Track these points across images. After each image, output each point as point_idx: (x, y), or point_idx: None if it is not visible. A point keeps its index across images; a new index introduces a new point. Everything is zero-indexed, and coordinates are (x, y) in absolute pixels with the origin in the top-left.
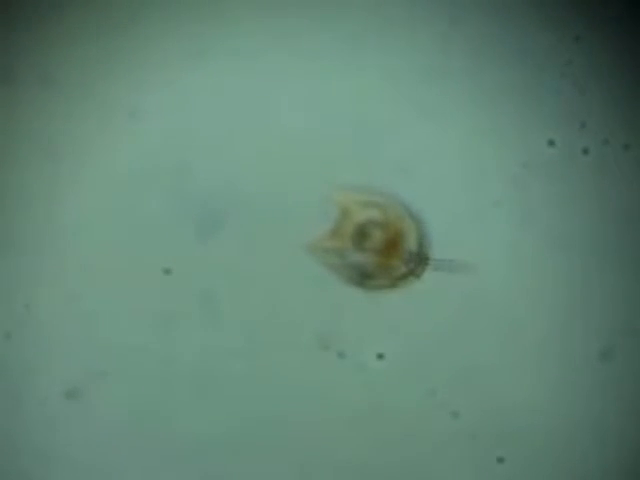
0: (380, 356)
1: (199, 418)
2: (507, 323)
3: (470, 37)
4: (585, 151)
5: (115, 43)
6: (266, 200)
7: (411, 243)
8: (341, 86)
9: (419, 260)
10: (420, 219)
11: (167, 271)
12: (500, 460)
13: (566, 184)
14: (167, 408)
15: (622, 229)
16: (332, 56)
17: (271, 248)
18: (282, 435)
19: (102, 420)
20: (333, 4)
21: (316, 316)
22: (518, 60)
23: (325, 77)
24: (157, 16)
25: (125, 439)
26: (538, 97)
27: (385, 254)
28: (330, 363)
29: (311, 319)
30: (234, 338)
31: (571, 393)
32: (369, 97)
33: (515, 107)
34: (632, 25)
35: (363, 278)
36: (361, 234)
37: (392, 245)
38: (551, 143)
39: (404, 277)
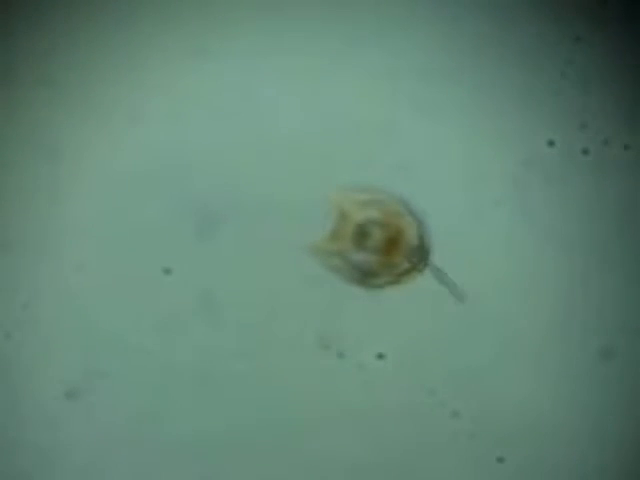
0: (380, 356)
1: (199, 418)
2: (507, 323)
3: (470, 37)
4: (585, 151)
5: (115, 44)
6: (266, 200)
7: (412, 238)
8: (341, 86)
9: (421, 254)
10: (420, 216)
11: (167, 271)
12: (500, 460)
13: (566, 184)
14: (167, 408)
15: (622, 229)
16: (332, 56)
17: (271, 248)
18: (282, 435)
19: (102, 420)
20: (333, 4)
21: (316, 316)
22: (518, 60)
23: (325, 77)
24: (157, 17)
25: (125, 439)
26: (538, 97)
27: (387, 252)
28: (330, 363)
29: (311, 319)
30: (234, 338)
31: (571, 393)
32: (369, 97)
33: (515, 107)
34: (632, 25)
35: (366, 277)
36: (361, 234)
37: (393, 242)
38: (551, 143)
39: (407, 273)
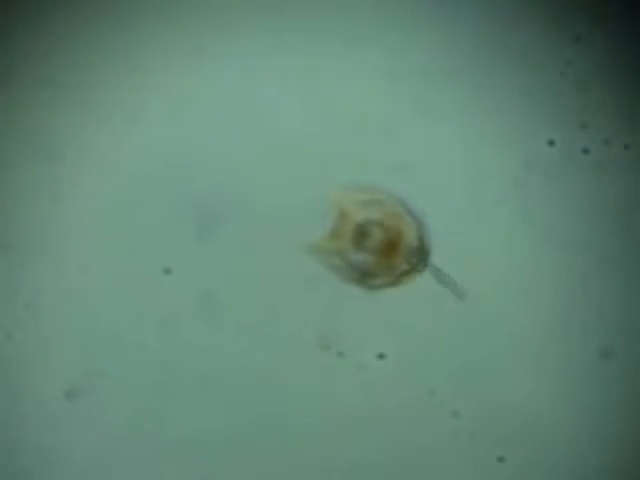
0: (380, 356)
1: (199, 418)
2: (507, 323)
3: (470, 37)
4: (585, 151)
5: (115, 45)
6: (266, 200)
7: (411, 239)
8: (341, 86)
9: (421, 255)
10: (419, 216)
11: (167, 271)
12: (500, 459)
13: (566, 184)
14: (167, 408)
15: (622, 229)
16: (332, 56)
17: (271, 248)
18: (282, 435)
19: (102, 420)
20: (333, 4)
21: (316, 316)
22: (518, 60)
23: (325, 77)
24: (157, 17)
25: (125, 439)
26: (538, 97)
27: (386, 253)
28: (330, 363)
29: (311, 319)
30: (234, 338)
31: (571, 392)
32: (369, 97)
33: (515, 107)
34: (632, 25)
35: (365, 277)
36: (361, 233)
37: (393, 244)
38: (551, 143)
39: (407, 274)
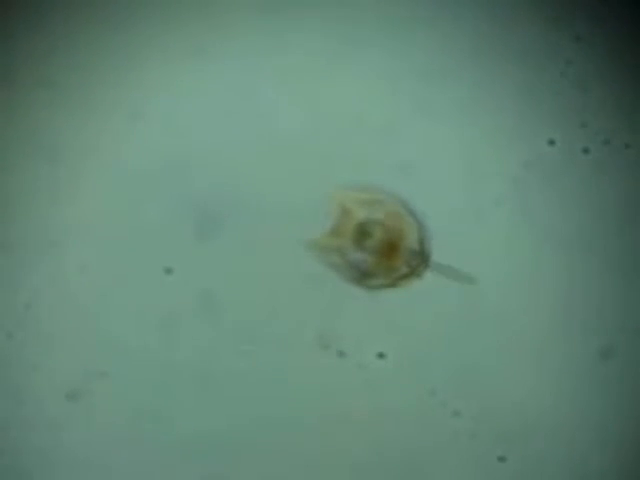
0: (380, 355)
1: (199, 418)
2: (507, 322)
3: (470, 37)
4: (585, 151)
5: (115, 45)
6: (266, 199)
7: (412, 242)
8: (341, 86)
9: (421, 259)
10: (421, 217)
11: (168, 271)
12: (501, 459)
13: (566, 184)
14: (167, 408)
15: (622, 229)
16: (332, 56)
17: (271, 247)
18: (282, 434)
19: (103, 420)
20: (333, 4)
21: (316, 315)
22: (518, 60)
23: (325, 77)
24: (157, 17)
25: (126, 439)
26: (538, 97)
27: (386, 254)
28: (330, 362)
29: (311, 318)
30: (234, 337)
31: (571, 392)
32: (369, 97)
33: (515, 107)
34: (632, 25)
35: (364, 277)
36: (362, 232)
37: (393, 245)
38: (551, 143)
39: (406, 277)
